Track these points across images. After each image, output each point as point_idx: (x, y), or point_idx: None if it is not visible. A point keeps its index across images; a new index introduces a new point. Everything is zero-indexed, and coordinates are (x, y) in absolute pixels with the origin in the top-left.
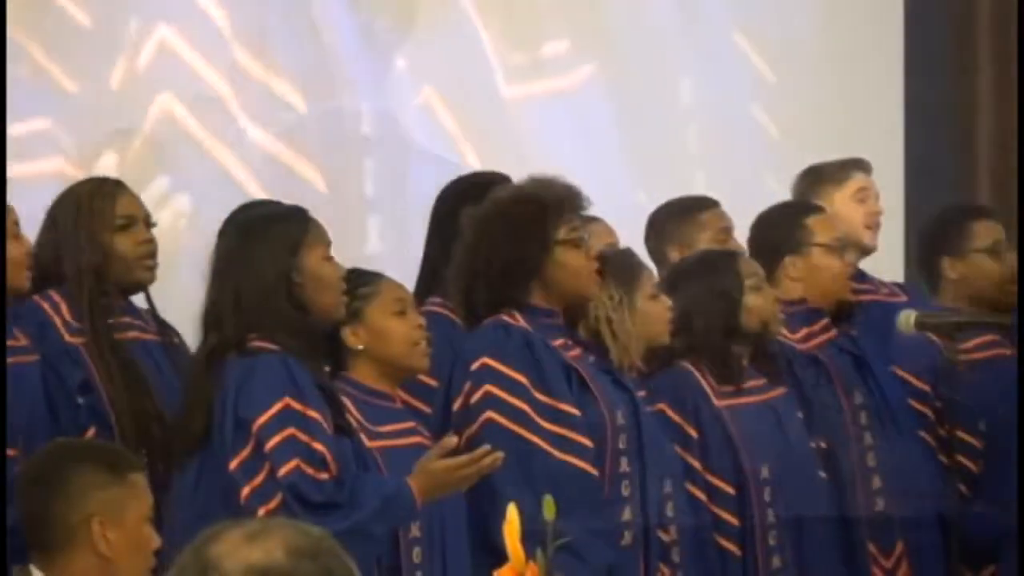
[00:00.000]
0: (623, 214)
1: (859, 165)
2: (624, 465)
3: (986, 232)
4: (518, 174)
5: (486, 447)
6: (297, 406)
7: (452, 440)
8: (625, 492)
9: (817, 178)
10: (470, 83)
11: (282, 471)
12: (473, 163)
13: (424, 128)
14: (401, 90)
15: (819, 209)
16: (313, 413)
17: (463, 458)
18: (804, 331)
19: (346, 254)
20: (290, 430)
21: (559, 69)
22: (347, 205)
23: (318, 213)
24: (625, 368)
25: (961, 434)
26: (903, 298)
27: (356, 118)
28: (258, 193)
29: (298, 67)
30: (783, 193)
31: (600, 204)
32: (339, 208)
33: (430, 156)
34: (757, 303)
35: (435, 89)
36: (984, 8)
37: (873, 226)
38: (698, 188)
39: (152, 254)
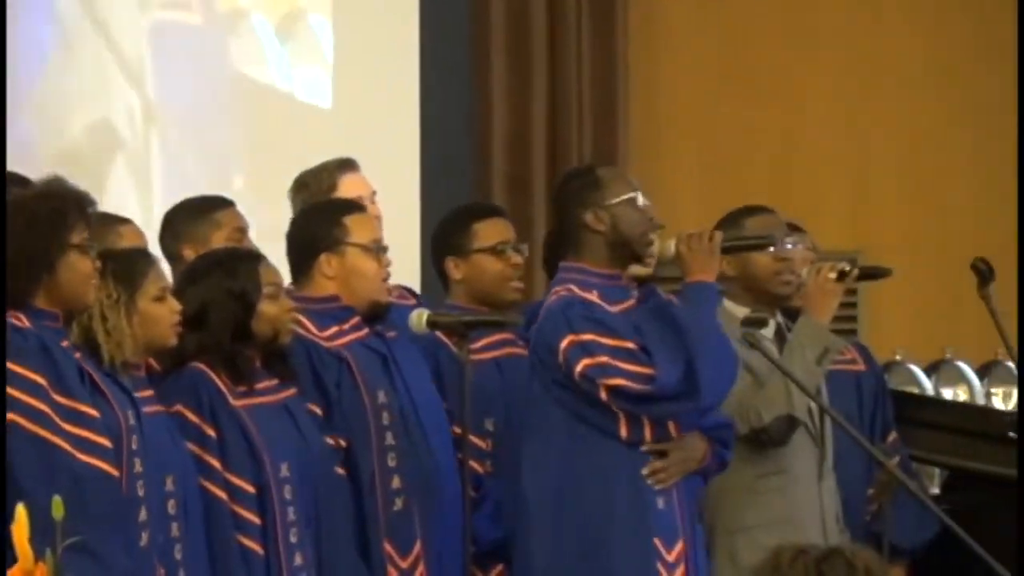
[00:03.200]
0: None
1: (346, 166)
2: (138, 465)
3: (489, 232)
4: None
5: None
6: None
7: None
8: (140, 492)
9: (308, 191)
10: None
11: None
12: None
13: None
14: None
15: (359, 208)
16: None
17: None
18: (333, 328)
19: None
20: None
21: None
22: None
23: None
24: (119, 367)
25: (469, 435)
26: (411, 301)
27: None
28: None
29: None
30: None
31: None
32: None
33: None
34: (271, 311)
35: None
36: (499, 9)
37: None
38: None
39: None
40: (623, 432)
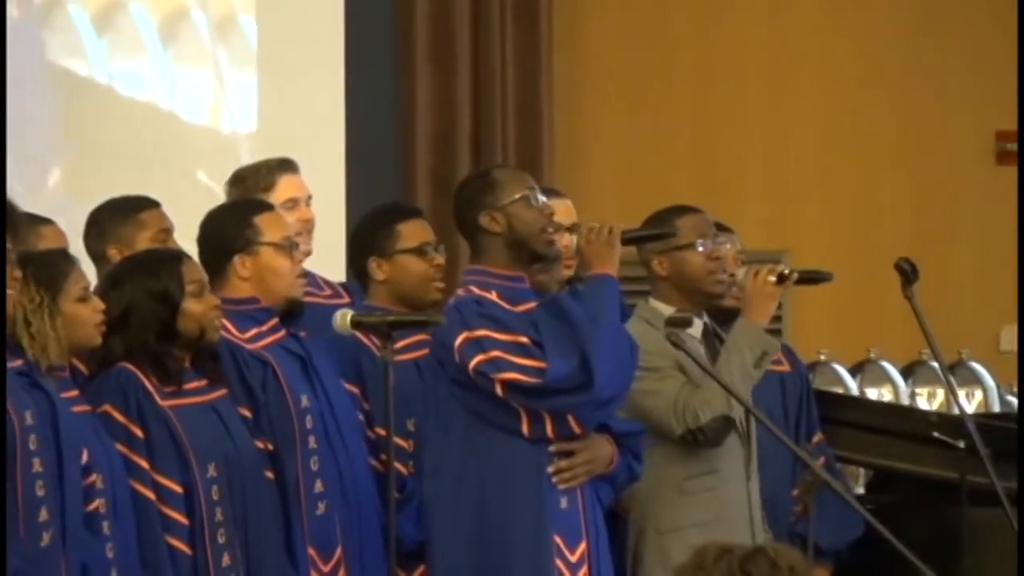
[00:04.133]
0: None
1: (285, 167)
2: (37, 465)
3: (412, 233)
4: None
5: None
6: None
7: None
8: (40, 492)
9: (245, 187)
10: None
11: None
12: None
13: None
14: None
15: (268, 207)
16: None
17: None
18: (254, 330)
19: None
20: None
21: None
22: None
23: None
24: (44, 370)
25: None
26: (346, 300)
27: None
28: None
29: None
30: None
31: None
32: None
33: None
34: (196, 309)
35: None
36: (423, 9)
37: (304, 231)
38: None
39: None
40: (524, 429)
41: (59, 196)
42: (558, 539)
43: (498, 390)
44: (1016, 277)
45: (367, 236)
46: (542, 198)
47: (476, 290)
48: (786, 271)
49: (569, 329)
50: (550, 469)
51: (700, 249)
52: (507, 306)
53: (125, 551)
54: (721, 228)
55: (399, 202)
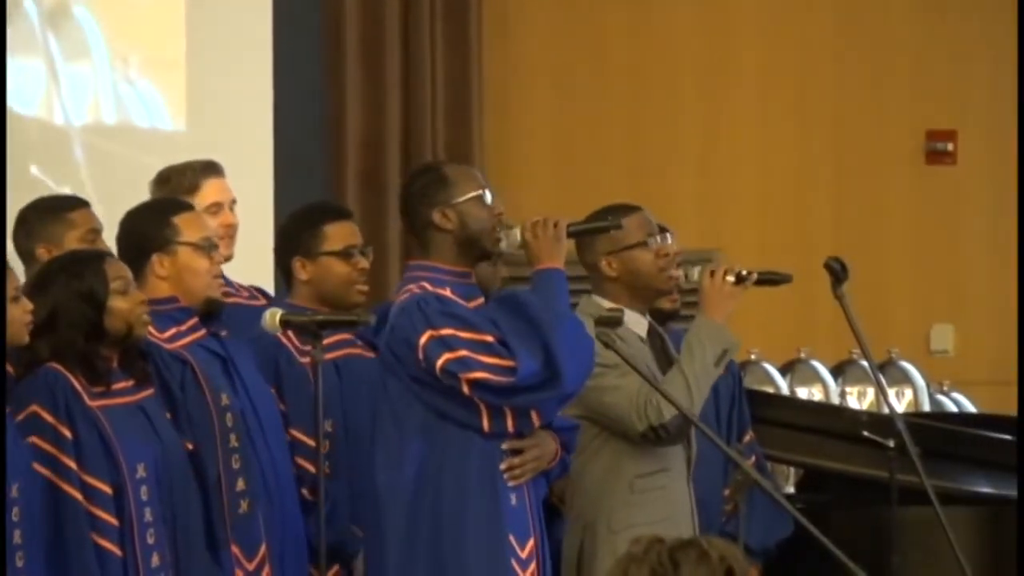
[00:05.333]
0: None
1: (211, 170)
2: None
3: (338, 235)
4: None
5: None
6: None
7: None
8: None
9: (169, 188)
10: None
11: None
12: None
13: None
14: None
15: (187, 207)
16: None
17: None
18: (173, 330)
19: None
20: None
21: None
22: None
23: None
24: None
25: (301, 436)
26: (262, 302)
27: None
28: None
29: None
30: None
31: None
32: None
33: None
34: (122, 306)
35: None
36: (351, 8)
37: (226, 236)
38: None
39: None
40: (485, 425)
41: None
42: (511, 537)
43: (465, 388)
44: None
45: (293, 235)
46: (489, 196)
47: (429, 287)
48: (744, 272)
49: (528, 326)
50: (502, 466)
51: (650, 246)
52: (463, 303)
53: (33, 558)
54: (662, 228)
55: (329, 201)
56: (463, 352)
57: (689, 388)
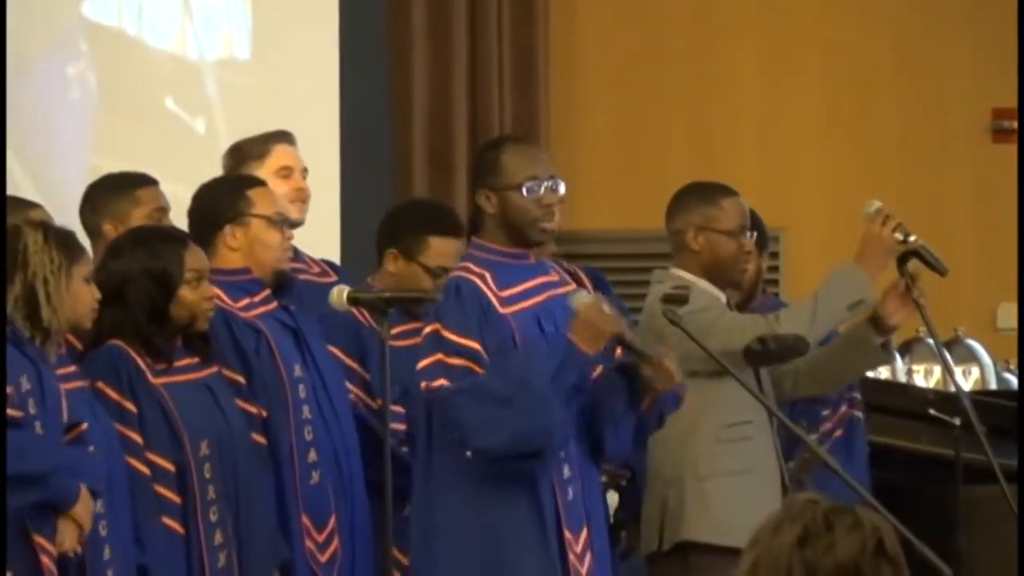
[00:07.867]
0: None
1: (281, 137)
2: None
3: (439, 252)
4: None
5: None
6: None
7: None
8: None
9: (240, 156)
10: None
11: None
12: None
13: None
14: None
15: (260, 182)
16: None
17: None
18: (246, 300)
19: None
20: None
21: None
22: None
23: None
24: (38, 340)
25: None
26: (333, 278)
27: None
28: None
29: None
30: None
31: None
32: None
33: None
34: (191, 297)
35: None
36: None
37: (298, 200)
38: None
39: None
40: None
41: None
42: (567, 532)
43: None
44: (1016, 255)
45: (401, 228)
46: (546, 184)
47: (473, 267)
48: (911, 237)
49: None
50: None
51: (739, 239)
52: (499, 292)
53: (118, 529)
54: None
55: (447, 211)
56: (438, 355)
57: (815, 316)
